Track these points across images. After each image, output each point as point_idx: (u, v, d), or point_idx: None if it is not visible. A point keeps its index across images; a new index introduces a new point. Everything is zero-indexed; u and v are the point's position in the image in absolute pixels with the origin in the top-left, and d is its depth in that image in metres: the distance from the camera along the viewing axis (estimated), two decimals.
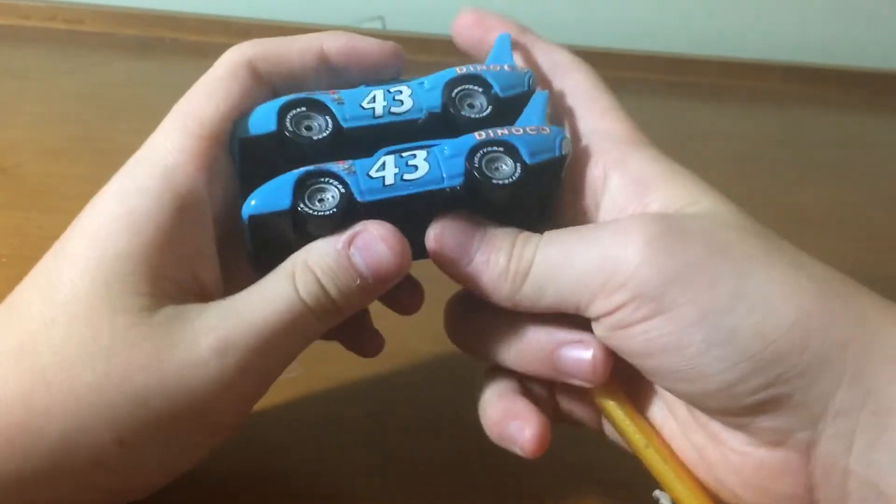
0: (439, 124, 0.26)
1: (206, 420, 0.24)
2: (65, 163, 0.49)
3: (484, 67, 0.28)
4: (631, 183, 0.26)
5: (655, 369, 0.24)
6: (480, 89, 0.27)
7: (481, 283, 0.25)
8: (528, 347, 0.26)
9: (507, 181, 0.25)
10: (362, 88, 0.27)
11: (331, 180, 0.24)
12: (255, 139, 0.25)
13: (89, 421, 0.22)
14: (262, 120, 0.25)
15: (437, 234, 0.25)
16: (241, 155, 0.26)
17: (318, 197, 0.24)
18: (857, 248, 0.52)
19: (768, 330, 0.22)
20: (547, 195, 0.27)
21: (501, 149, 0.25)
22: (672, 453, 0.26)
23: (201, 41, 0.66)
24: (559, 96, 0.29)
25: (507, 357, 0.26)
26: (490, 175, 0.25)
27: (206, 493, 0.29)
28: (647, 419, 0.26)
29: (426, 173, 0.25)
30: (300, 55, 0.27)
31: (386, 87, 0.27)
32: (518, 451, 0.26)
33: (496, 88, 0.27)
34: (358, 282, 0.24)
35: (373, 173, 0.24)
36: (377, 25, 0.76)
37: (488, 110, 0.27)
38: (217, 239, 0.25)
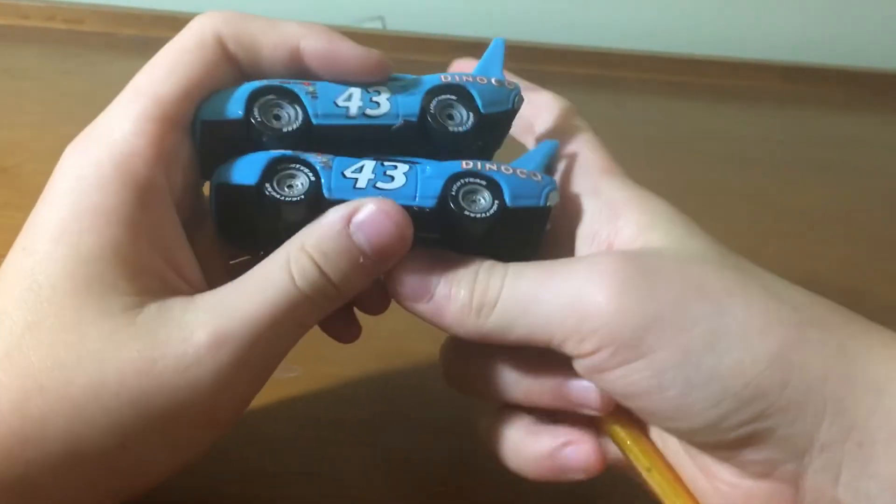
0: (414, 132, 0.26)
1: (206, 416, 0.23)
2: None
3: (469, 79, 0.26)
4: (602, 207, 0.26)
5: (640, 409, 0.24)
6: (462, 101, 0.26)
7: (444, 318, 0.24)
8: (536, 382, 0.26)
9: (479, 216, 0.24)
10: (340, 85, 0.26)
11: (303, 168, 0.24)
12: (219, 123, 0.24)
13: (89, 427, 0.22)
14: (230, 104, 0.24)
15: (395, 272, 0.24)
16: (203, 137, 0.25)
17: (288, 182, 0.24)
18: (856, 248, 0.52)
19: (748, 367, 0.22)
20: (527, 242, 0.27)
21: (484, 182, 0.25)
22: (676, 477, 0.26)
23: None
24: (541, 132, 0.29)
25: (514, 394, 0.26)
26: (464, 206, 0.24)
27: (205, 492, 0.29)
28: (652, 443, 0.26)
29: (400, 187, 0.24)
30: (273, 48, 0.25)
31: (365, 85, 0.26)
32: (577, 477, 0.26)
33: (479, 103, 0.26)
34: (361, 261, 0.23)
35: (348, 173, 0.24)
36: (377, 25, 0.76)
37: (470, 123, 0.26)
38: (183, 225, 0.25)
